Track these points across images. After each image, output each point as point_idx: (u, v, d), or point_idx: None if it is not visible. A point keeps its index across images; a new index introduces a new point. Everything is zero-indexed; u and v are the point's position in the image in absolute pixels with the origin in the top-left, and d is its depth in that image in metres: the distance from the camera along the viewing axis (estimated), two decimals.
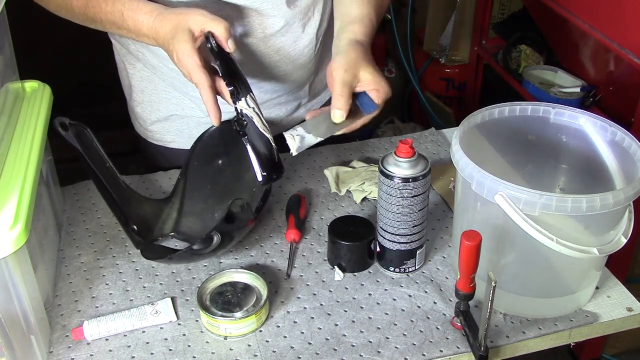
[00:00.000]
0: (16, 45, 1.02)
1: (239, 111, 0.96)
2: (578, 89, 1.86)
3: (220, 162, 1.13)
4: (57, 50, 2.51)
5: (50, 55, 2.51)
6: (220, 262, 1.05)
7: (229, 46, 0.96)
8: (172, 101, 1.22)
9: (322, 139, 0.98)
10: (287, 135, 0.97)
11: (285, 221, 1.12)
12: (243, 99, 0.96)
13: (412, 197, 0.94)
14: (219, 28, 0.94)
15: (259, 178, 0.96)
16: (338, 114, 0.96)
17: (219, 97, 0.97)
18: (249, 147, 0.95)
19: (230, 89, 0.95)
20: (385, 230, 0.99)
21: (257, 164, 0.95)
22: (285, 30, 1.10)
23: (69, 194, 1.21)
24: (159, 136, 1.28)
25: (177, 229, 1.10)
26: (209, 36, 0.95)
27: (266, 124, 0.97)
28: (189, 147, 1.13)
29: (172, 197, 1.12)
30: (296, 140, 0.96)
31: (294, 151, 0.96)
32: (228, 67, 0.97)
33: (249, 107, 0.96)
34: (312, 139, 0.97)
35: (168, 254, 1.00)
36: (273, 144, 0.98)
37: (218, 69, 0.97)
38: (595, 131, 0.98)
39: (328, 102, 1.35)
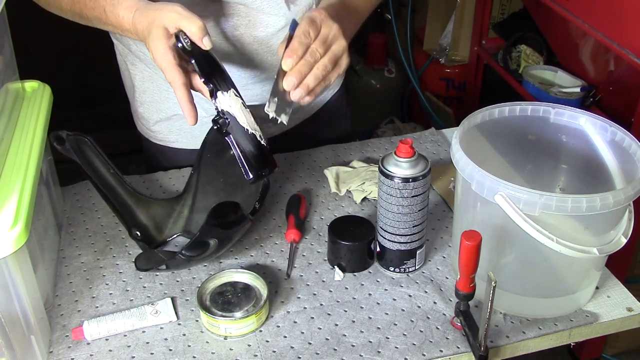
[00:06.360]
0: (16, 45, 1.02)
1: (219, 110, 0.93)
2: (578, 89, 1.86)
3: (231, 152, 1.12)
4: (57, 50, 2.51)
5: (50, 55, 2.51)
6: (220, 262, 1.05)
7: (204, 44, 0.92)
8: (175, 101, 1.20)
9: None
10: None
11: (285, 221, 1.12)
12: (225, 94, 0.93)
13: (412, 197, 0.94)
14: (192, 27, 0.91)
15: (247, 176, 0.93)
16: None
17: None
18: (233, 146, 0.92)
19: (209, 87, 0.92)
20: (385, 230, 0.99)
21: (243, 162, 0.93)
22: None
23: (69, 194, 1.20)
24: (162, 136, 1.28)
25: (188, 227, 1.09)
26: (179, 35, 0.91)
27: (252, 120, 0.95)
28: (192, 147, 1.12)
29: (184, 193, 1.10)
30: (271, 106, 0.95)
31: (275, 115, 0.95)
32: (205, 65, 0.93)
33: (231, 104, 0.94)
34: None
35: (160, 263, 0.97)
36: (260, 139, 0.95)
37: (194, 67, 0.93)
38: (595, 131, 0.98)
39: (329, 102, 1.36)
